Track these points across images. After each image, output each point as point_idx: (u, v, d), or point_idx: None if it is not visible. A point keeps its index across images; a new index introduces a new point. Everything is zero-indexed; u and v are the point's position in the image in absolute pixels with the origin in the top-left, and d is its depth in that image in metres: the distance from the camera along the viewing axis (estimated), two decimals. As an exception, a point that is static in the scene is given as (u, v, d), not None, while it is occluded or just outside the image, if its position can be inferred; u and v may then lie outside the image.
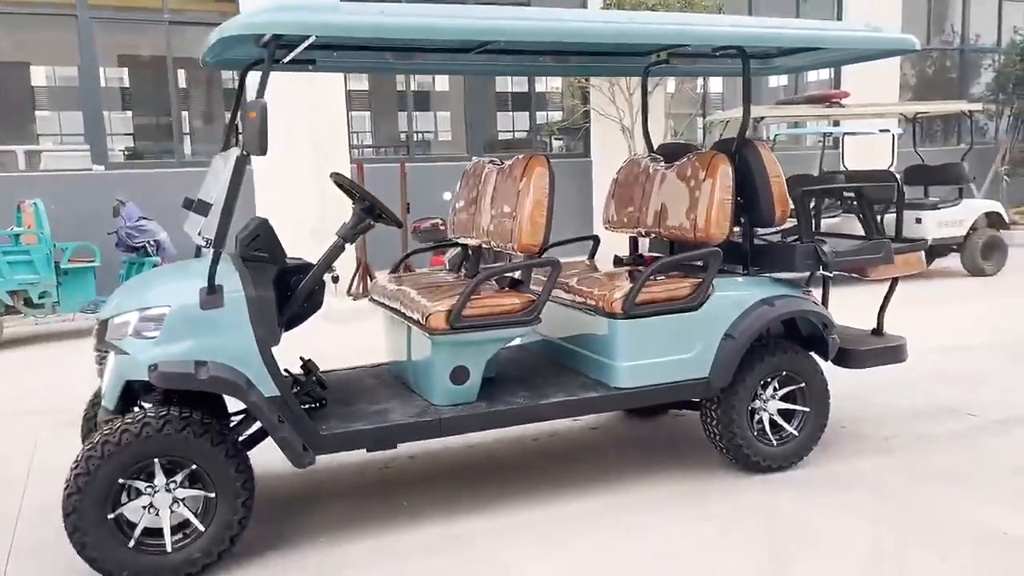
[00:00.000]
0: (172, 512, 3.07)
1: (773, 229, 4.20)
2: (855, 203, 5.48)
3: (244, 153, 3.07)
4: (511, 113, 16.02)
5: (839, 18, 13.52)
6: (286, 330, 3.57)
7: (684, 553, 3.26)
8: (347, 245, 3.60)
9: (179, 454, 3.04)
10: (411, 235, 8.67)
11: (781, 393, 4.02)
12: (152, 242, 8.23)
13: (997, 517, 3.48)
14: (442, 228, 8.38)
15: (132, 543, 3.02)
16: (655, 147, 4.80)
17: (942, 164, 10.08)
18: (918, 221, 9.38)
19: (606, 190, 4.82)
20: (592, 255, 4.83)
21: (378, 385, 3.97)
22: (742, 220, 4.08)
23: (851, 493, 3.77)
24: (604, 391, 3.75)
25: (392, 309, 3.94)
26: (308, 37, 3.26)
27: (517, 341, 4.20)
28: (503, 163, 4.14)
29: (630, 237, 4.77)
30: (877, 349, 4.31)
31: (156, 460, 3.02)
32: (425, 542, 3.41)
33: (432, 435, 3.53)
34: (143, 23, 10.32)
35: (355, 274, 9.19)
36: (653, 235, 4.40)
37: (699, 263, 3.96)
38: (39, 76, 13.59)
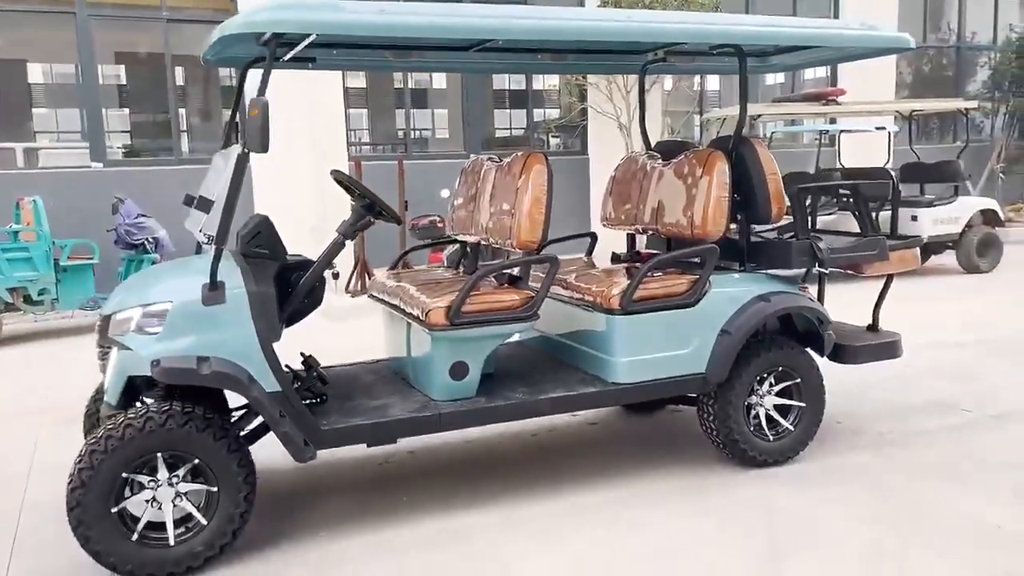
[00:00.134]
0: (175, 506, 3.11)
1: (769, 226, 4.24)
2: (851, 200, 5.51)
3: (246, 150, 3.10)
4: (509, 111, 15.99)
5: (835, 16, 13.54)
6: (287, 326, 3.61)
7: (683, 548, 3.28)
8: (347, 242, 3.62)
9: (182, 448, 3.07)
10: (409, 232, 8.68)
11: (777, 388, 4.05)
12: (151, 239, 8.23)
13: (992, 512, 3.51)
14: (440, 225, 8.40)
15: (135, 536, 3.05)
16: (652, 144, 4.82)
17: (938, 162, 10.12)
18: (914, 218, 9.42)
19: (603, 187, 4.84)
20: (590, 252, 4.86)
21: (378, 381, 4.00)
22: (739, 217, 4.11)
23: (847, 487, 3.80)
24: (602, 387, 3.78)
25: (392, 305, 3.97)
26: (308, 35, 3.28)
27: (516, 337, 4.24)
28: (502, 161, 4.16)
29: (627, 234, 4.80)
30: (872, 345, 4.34)
31: (159, 454, 3.05)
32: (424, 537, 3.43)
33: (431, 430, 3.56)
34: (141, 20, 10.33)
35: (353, 271, 9.20)
36: (650, 232, 4.43)
37: (696, 260, 3.99)
38: (36, 73, 13.57)
